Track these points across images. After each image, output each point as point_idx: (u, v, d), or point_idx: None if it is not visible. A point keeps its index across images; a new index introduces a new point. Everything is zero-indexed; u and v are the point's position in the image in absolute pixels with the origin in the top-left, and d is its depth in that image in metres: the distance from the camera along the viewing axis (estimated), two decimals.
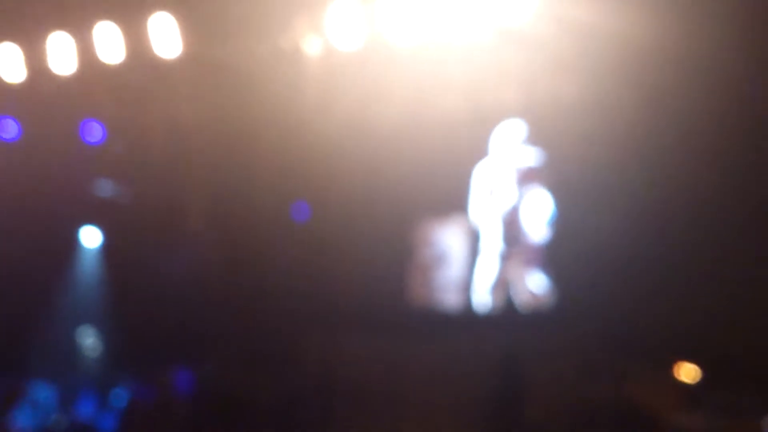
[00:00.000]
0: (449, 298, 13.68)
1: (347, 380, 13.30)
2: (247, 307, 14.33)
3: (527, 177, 13.02)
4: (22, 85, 14.21)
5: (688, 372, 12.32)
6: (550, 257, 12.86)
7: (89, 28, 13.59)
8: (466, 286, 13.46)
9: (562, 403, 12.16)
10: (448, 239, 13.73)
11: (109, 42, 13.53)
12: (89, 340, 16.72)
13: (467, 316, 13.47)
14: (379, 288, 13.73)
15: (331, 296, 13.79)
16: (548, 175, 12.87)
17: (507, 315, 13.11)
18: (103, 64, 13.68)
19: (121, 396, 15.24)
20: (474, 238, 13.44)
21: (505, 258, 13.19)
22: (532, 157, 12.95)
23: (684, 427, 11.70)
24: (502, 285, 13.18)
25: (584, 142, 11.94)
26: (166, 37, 13.34)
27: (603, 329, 11.83)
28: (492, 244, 13.26)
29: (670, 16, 10.86)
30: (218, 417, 13.36)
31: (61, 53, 13.78)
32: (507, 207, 13.15)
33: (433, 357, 12.91)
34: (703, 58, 10.97)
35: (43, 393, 15.48)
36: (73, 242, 16.93)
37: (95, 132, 15.35)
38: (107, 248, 16.87)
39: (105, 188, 16.39)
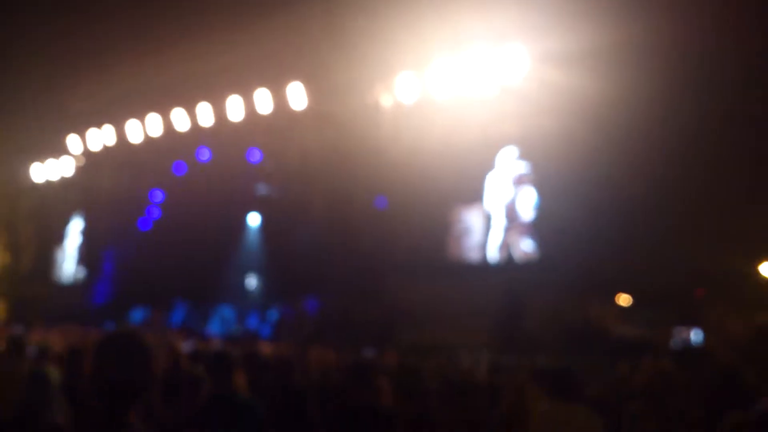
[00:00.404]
0: (473, 255, 13.61)
1: (411, 306, 13.22)
2: (350, 260, 14.41)
3: (520, 180, 12.94)
4: (211, 128, 14.79)
5: (624, 299, 12.17)
6: (534, 229, 12.80)
7: (252, 91, 14.06)
8: (483, 247, 13.41)
9: (545, 320, 11.91)
10: (472, 218, 13.64)
11: (264, 101, 13.99)
12: (254, 280, 17.09)
13: (484, 265, 13.44)
14: (430, 249, 13.79)
15: (400, 254, 13.93)
16: (533, 179, 12.81)
17: (509, 265, 13.07)
18: (260, 114, 14.14)
19: (273, 314, 15.52)
20: (487, 218, 13.37)
21: (507, 230, 13.11)
22: (523, 167, 12.92)
23: (622, 333, 11.36)
24: (505, 246, 13.13)
25: (557, 159, 11.86)
26: (298, 96, 13.72)
27: (570, 274, 11.55)
28: (499, 221, 13.21)
29: (616, 76, 10.73)
30: (333, 328, 13.39)
31: (235, 108, 14.34)
32: (507, 198, 13.11)
33: (464, 291, 12.85)
34: (638, 105, 10.75)
35: (227, 312, 16.02)
36: (243, 222, 17.38)
37: (256, 156, 15.61)
38: (264, 225, 17.23)
39: (262, 189, 16.71)
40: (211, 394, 3.86)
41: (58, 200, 18.64)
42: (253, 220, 17.30)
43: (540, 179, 12.72)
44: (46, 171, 18.47)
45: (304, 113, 13.80)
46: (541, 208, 12.70)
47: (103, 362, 2.50)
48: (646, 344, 10.25)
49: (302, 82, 13.59)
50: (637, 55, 10.73)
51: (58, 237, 19.22)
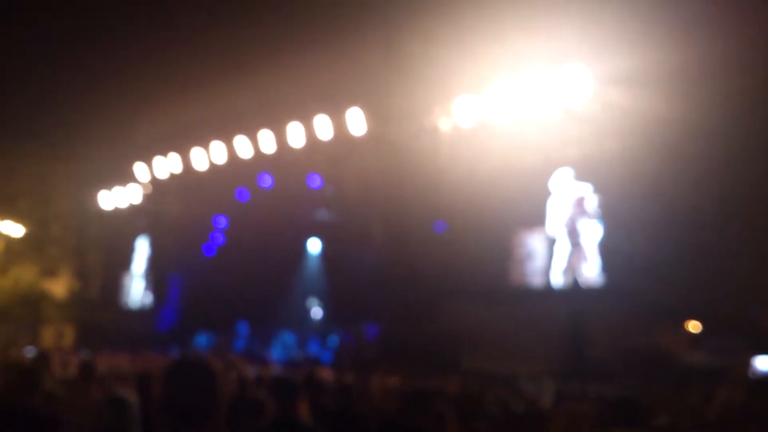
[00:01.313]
0: (535, 280, 13.42)
1: (472, 332, 13.06)
2: (409, 286, 14.29)
3: (582, 202, 12.75)
4: (273, 155, 14.92)
5: (693, 325, 11.87)
6: (599, 252, 12.54)
7: (312, 118, 14.21)
8: (546, 271, 13.20)
9: (610, 346, 11.68)
10: (534, 242, 13.49)
11: (324, 127, 14.05)
12: (314, 306, 17.12)
13: (547, 290, 13.22)
14: (491, 274, 13.58)
15: (460, 279, 13.69)
16: (597, 203, 12.62)
17: (573, 289, 12.85)
18: (320, 140, 14.23)
19: (333, 340, 15.62)
20: (551, 242, 13.20)
21: (571, 254, 12.91)
22: (585, 190, 12.72)
23: (692, 362, 11.00)
24: (569, 271, 12.94)
25: (618, 181, 11.69)
26: (357, 122, 13.75)
27: (636, 298, 11.39)
28: (562, 245, 13.04)
29: (679, 99, 10.60)
30: (391, 353, 13.28)
31: (296, 135, 14.47)
32: (571, 223, 12.91)
33: (527, 316, 12.72)
34: (700, 127, 10.65)
35: (288, 338, 16.11)
36: (304, 248, 17.55)
37: (316, 181, 15.71)
38: (324, 251, 17.39)
39: (322, 215, 16.81)
40: (275, 419, 3.88)
41: (125, 227, 19.08)
42: (314, 246, 17.43)
43: (605, 204, 12.51)
44: (113, 198, 18.95)
45: (363, 138, 13.85)
46: (607, 233, 12.45)
47: (171, 387, 2.57)
48: (719, 373, 9.92)
49: (361, 107, 13.67)
50: (705, 77, 10.54)
51: (125, 263, 19.63)
